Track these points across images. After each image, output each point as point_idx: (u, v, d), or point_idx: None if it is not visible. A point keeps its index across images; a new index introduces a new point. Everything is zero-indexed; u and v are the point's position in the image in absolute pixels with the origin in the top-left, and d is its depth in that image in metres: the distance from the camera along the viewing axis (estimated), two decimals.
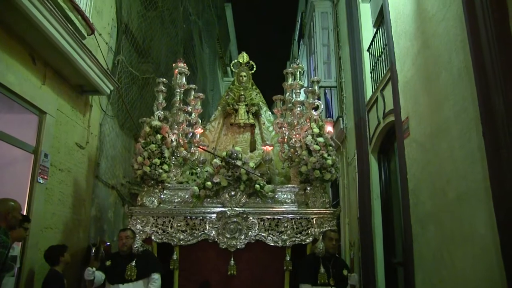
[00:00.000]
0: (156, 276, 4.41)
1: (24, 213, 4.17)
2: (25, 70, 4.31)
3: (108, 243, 5.87)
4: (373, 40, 7.32)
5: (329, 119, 8.38)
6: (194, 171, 5.64)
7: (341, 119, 8.83)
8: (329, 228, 4.72)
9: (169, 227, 4.86)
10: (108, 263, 4.41)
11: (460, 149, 3.80)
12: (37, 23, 3.92)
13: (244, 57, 6.55)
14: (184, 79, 5.72)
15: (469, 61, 3.53)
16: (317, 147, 4.88)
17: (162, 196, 5.12)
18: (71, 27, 4.43)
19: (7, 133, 4.15)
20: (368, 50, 7.63)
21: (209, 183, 4.98)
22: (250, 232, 4.80)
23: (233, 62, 6.71)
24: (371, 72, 7.51)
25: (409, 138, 5.07)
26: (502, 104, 3.11)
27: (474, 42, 3.44)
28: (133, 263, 4.33)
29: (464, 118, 3.70)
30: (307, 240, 4.78)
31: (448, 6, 3.93)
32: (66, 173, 5.17)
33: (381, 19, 6.80)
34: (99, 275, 4.27)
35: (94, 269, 4.23)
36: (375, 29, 7.41)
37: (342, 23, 9.34)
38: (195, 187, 5.03)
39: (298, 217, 4.86)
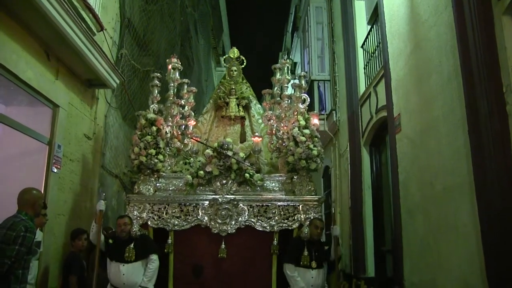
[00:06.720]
0: (154, 257, 4.72)
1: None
2: (41, 66, 4.53)
3: (113, 230, 6.14)
4: (367, 37, 7.55)
5: (316, 112, 8.61)
6: (187, 161, 5.85)
7: (334, 112, 9.10)
8: (316, 217, 5.00)
9: (164, 213, 5.11)
10: (111, 241, 4.73)
11: (448, 146, 4.12)
12: (54, 22, 4.10)
13: (234, 52, 6.74)
14: (177, 74, 5.91)
15: (457, 65, 3.83)
16: (303, 139, 5.13)
17: (157, 184, 5.36)
18: (84, 25, 4.65)
19: (26, 125, 4.40)
20: (362, 47, 7.86)
21: (201, 172, 5.22)
22: (240, 218, 5.06)
23: (224, 57, 6.93)
24: (364, 68, 7.76)
25: (401, 133, 5.39)
26: (486, 106, 3.44)
27: (462, 49, 3.74)
28: (132, 246, 4.63)
29: (451, 118, 4.03)
30: (294, 226, 5.05)
31: (440, 13, 4.23)
32: (76, 163, 5.42)
33: (375, 17, 7.04)
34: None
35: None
36: (369, 27, 7.65)
37: (336, 18, 9.55)
38: (189, 176, 5.27)
39: (285, 204, 5.13)
